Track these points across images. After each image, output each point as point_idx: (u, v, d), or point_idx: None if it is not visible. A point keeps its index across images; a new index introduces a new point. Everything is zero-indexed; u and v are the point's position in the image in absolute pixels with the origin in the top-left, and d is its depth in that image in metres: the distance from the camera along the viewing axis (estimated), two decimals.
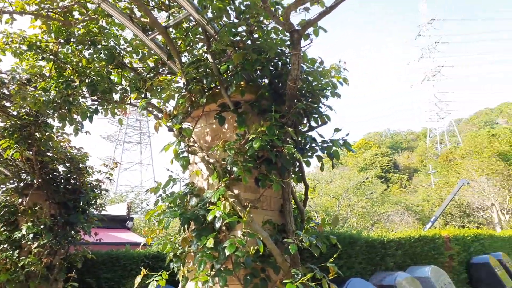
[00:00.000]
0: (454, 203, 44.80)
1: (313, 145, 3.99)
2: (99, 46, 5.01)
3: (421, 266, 5.41)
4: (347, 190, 42.05)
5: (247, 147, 3.50)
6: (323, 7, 3.25)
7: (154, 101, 4.93)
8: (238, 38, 3.81)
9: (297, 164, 4.08)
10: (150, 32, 4.30)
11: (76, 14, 4.91)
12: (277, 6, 3.76)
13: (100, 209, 7.23)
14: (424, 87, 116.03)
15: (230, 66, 3.68)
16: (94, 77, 5.05)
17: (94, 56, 5.09)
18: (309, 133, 4.13)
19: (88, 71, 5.13)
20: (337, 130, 3.82)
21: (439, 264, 6.36)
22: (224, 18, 3.73)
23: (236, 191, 3.70)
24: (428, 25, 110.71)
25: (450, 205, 41.03)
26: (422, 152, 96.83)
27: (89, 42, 4.99)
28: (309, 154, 4.00)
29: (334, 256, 3.71)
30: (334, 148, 3.83)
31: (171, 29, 4.35)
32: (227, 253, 3.21)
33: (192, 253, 3.77)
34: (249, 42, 3.81)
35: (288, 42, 3.82)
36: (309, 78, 3.89)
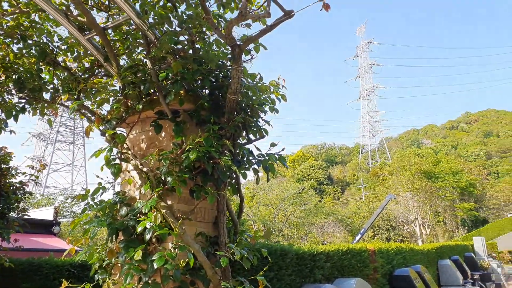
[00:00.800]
0: (382, 217, 47.52)
1: (250, 158, 4.04)
2: (29, 41, 4.68)
3: (348, 278, 5.64)
4: (284, 200, 42.95)
5: (183, 157, 3.45)
6: (265, 25, 3.33)
7: (87, 103, 4.70)
8: (179, 46, 3.77)
9: (234, 176, 4.10)
10: (87, 32, 4.10)
11: (5, 5, 4.56)
12: (220, 19, 3.79)
13: (23, 213, 6.68)
14: (359, 105, 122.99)
15: (170, 74, 3.62)
16: (22, 74, 4.69)
17: (24, 51, 4.74)
18: (247, 146, 4.19)
19: (16, 66, 4.76)
20: (273, 144, 3.90)
21: (364, 276, 6.67)
22: (166, 26, 3.67)
23: (169, 202, 3.61)
24: (365, 47, 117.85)
25: (378, 218, 43.45)
26: (354, 166, 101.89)
27: (19, 36, 4.65)
28: (246, 166, 4.03)
29: (264, 269, 3.75)
30: (270, 162, 3.91)
31: (109, 30, 4.20)
32: (155, 266, 3.12)
33: (119, 265, 3.61)
34: (190, 51, 3.79)
35: (229, 56, 3.84)
36: (249, 92, 3.94)
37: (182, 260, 3.32)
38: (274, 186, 49.81)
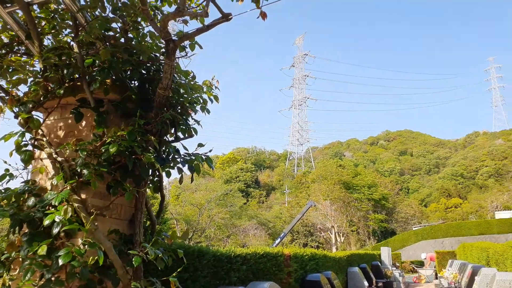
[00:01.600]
0: (302, 222, 49.37)
1: (176, 156, 3.96)
2: None
3: (261, 282, 5.75)
4: (210, 201, 42.80)
5: (103, 150, 3.28)
6: (203, 24, 3.30)
7: (2, 82, 4.27)
8: (111, 33, 3.59)
9: (157, 173, 3.99)
10: (8, 5, 3.74)
11: None
12: (156, 11, 3.68)
13: None
14: (291, 113, 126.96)
15: (97, 61, 3.43)
16: None
17: None
18: (175, 144, 4.10)
19: None
20: (200, 145, 3.87)
21: (278, 280, 6.85)
22: (99, 10, 3.48)
23: (83, 196, 3.41)
24: (301, 59, 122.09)
25: (298, 223, 45.10)
26: (281, 172, 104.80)
27: None
28: (171, 165, 3.95)
29: (179, 270, 3.69)
30: (196, 162, 3.87)
31: (35, 6, 3.87)
32: (61, 262, 2.91)
33: (21, 259, 3.33)
34: (122, 40, 3.63)
35: (163, 50, 3.75)
36: (181, 90, 3.87)
37: (91, 258, 3.15)
38: (202, 186, 49.48)
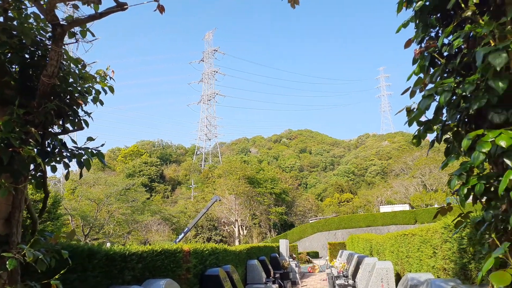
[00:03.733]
0: (206, 217, 49.48)
1: (63, 150, 3.67)
2: None
3: (158, 279, 5.65)
4: (109, 196, 40.52)
5: None
6: (96, 10, 3.11)
7: None
8: None
9: (40, 168, 3.65)
10: None
11: None
12: None
13: None
14: (200, 108, 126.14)
15: None
16: None
17: None
18: (63, 136, 3.79)
19: None
20: (90, 139, 3.65)
21: (176, 276, 6.79)
22: None
23: None
24: (211, 54, 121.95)
25: (203, 218, 45.10)
26: (188, 166, 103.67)
27: None
28: (57, 159, 3.65)
29: (62, 272, 3.45)
30: (85, 157, 3.64)
31: None
32: None
33: None
34: (1, 19, 3.23)
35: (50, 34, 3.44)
36: (70, 79, 3.60)
37: None
38: (101, 180, 46.56)
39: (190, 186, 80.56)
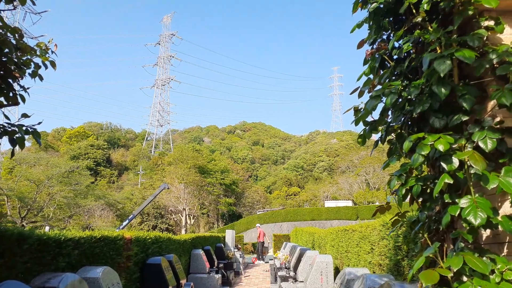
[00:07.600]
0: (153, 205, 48.47)
1: None
2: None
3: (95, 267, 5.42)
4: (51, 178, 38.50)
5: None
6: None
7: None
8: None
9: None
10: None
11: None
12: None
13: None
14: (153, 92, 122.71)
15: None
16: None
17: None
18: None
19: None
20: (25, 115, 3.38)
21: (115, 264, 6.56)
22: None
23: None
24: (168, 38, 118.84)
25: (149, 205, 44.12)
26: (137, 152, 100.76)
27: None
28: None
29: None
30: (18, 134, 3.37)
31: None
32: None
33: None
34: None
35: None
36: (6, 49, 3.29)
37: None
38: (43, 160, 44.09)
39: (138, 172, 78.41)
